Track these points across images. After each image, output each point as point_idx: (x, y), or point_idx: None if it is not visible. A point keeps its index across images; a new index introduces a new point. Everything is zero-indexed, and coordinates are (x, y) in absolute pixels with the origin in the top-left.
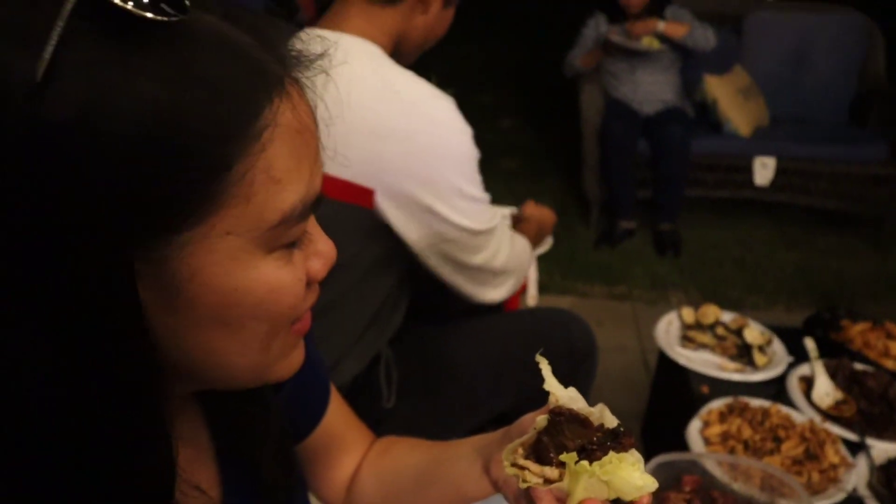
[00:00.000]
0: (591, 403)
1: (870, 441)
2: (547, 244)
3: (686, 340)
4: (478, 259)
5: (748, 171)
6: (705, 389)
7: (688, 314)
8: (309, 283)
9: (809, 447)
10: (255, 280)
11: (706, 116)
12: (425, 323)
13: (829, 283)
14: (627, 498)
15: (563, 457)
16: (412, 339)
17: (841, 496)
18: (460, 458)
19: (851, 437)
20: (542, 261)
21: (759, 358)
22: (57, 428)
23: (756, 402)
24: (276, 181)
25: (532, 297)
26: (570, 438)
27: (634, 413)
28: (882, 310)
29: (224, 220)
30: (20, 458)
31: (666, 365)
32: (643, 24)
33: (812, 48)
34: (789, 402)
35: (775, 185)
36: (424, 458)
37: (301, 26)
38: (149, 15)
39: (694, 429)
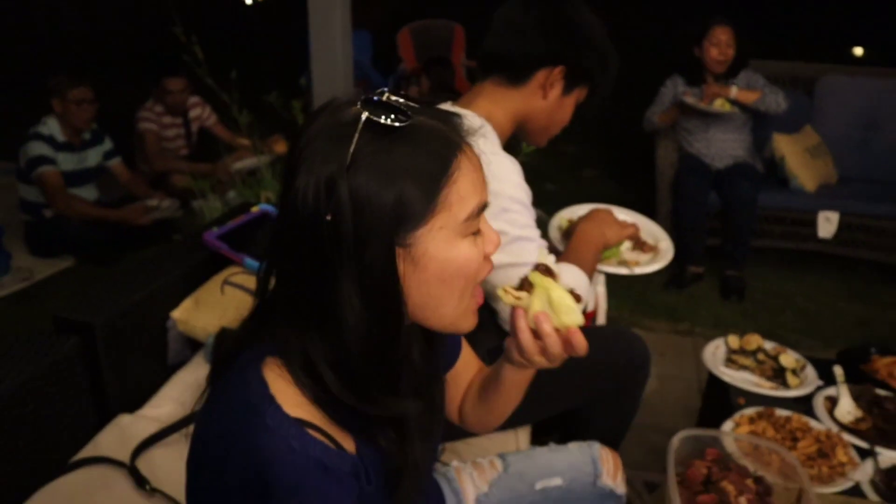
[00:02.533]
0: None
1: (878, 449)
2: (665, 258)
3: (730, 362)
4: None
5: (812, 224)
6: (741, 401)
7: (733, 340)
8: (486, 258)
9: (822, 447)
10: (457, 253)
11: (774, 172)
12: None
13: (889, 335)
14: (563, 317)
15: (530, 275)
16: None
17: (846, 486)
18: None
19: (863, 444)
20: (613, 297)
21: (791, 379)
22: (362, 338)
23: (781, 412)
24: (462, 198)
25: (602, 315)
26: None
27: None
28: None
29: (438, 221)
30: (345, 356)
31: (712, 383)
32: (717, 89)
33: (881, 112)
34: (814, 417)
35: (839, 239)
36: (493, 370)
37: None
38: (396, 124)
39: (726, 428)
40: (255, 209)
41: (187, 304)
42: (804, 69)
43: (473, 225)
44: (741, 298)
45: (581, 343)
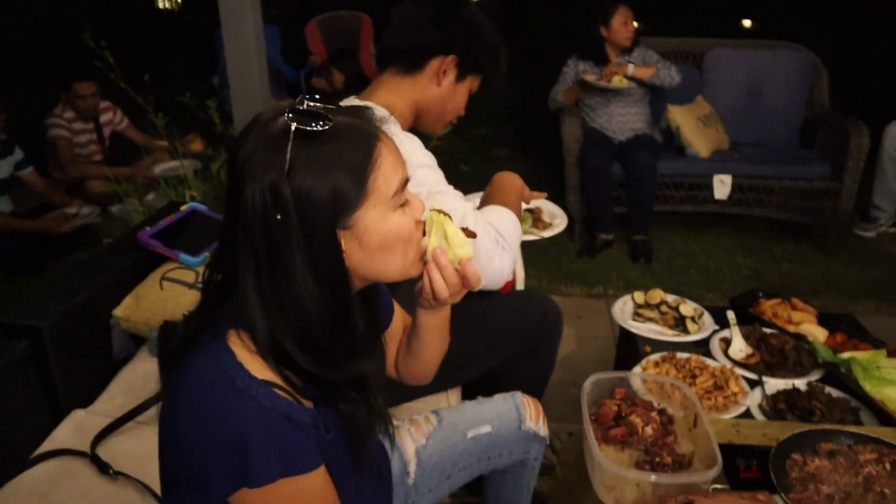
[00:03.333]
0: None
1: (765, 378)
2: (559, 226)
3: (637, 316)
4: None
5: (709, 187)
6: (648, 349)
7: (639, 296)
8: (417, 222)
9: (717, 381)
10: (392, 224)
11: (671, 141)
12: None
13: (778, 282)
14: (458, 250)
15: (427, 215)
16: None
17: (739, 411)
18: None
19: (752, 376)
20: (531, 266)
21: (691, 326)
22: (315, 315)
23: (682, 354)
24: (387, 177)
25: (521, 282)
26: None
27: None
28: (822, 303)
29: (371, 202)
30: (305, 319)
31: (623, 336)
32: (615, 68)
33: (765, 81)
34: (712, 357)
35: (733, 200)
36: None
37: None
38: (321, 128)
39: (635, 371)
40: (184, 207)
41: (128, 301)
42: (693, 44)
43: (401, 198)
44: (648, 261)
45: (474, 273)
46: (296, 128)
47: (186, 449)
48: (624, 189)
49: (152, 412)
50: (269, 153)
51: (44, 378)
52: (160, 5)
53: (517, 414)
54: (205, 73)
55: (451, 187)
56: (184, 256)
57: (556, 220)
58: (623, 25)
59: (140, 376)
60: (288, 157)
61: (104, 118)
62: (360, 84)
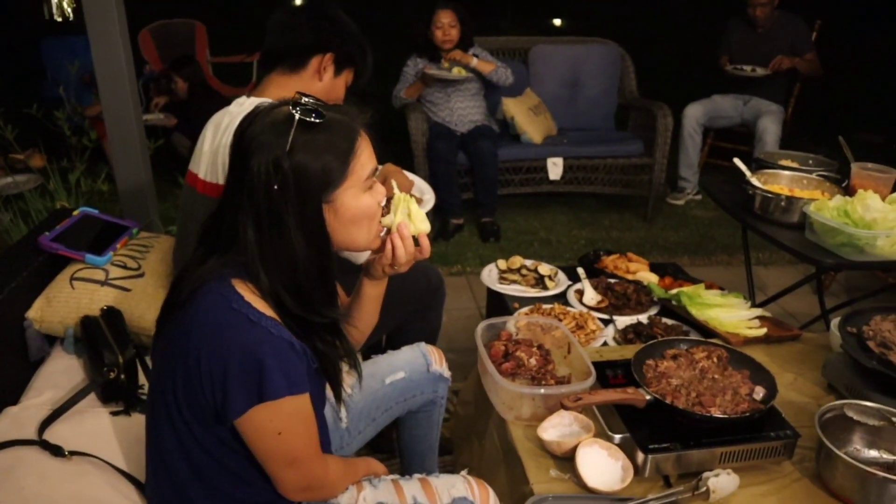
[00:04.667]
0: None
1: (615, 317)
2: (430, 202)
3: (502, 280)
4: None
5: (543, 170)
6: (516, 305)
7: (501, 263)
8: (378, 203)
9: (578, 322)
10: (362, 202)
11: (507, 130)
12: None
13: (611, 248)
14: (419, 224)
15: (395, 194)
16: None
17: (599, 343)
18: (359, 283)
19: (605, 317)
20: None
21: (549, 283)
22: (303, 268)
23: (546, 305)
24: (363, 164)
25: None
26: None
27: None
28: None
29: (349, 182)
30: (294, 279)
31: (491, 298)
32: (459, 55)
33: (582, 72)
34: (570, 306)
35: (565, 179)
36: (355, 293)
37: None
38: (315, 120)
39: (510, 324)
40: (76, 213)
41: (40, 303)
42: (518, 41)
43: (370, 182)
44: (497, 239)
45: (427, 245)
46: (299, 118)
47: (203, 375)
48: (470, 176)
49: (87, 402)
50: (274, 135)
51: None
52: None
53: (424, 359)
54: (30, 86)
55: None
56: (90, 257)
57: (426, 195)
58: (439, 30)
59: (60, 372)
60: (290, 139)
61: None
62: (203, 90)
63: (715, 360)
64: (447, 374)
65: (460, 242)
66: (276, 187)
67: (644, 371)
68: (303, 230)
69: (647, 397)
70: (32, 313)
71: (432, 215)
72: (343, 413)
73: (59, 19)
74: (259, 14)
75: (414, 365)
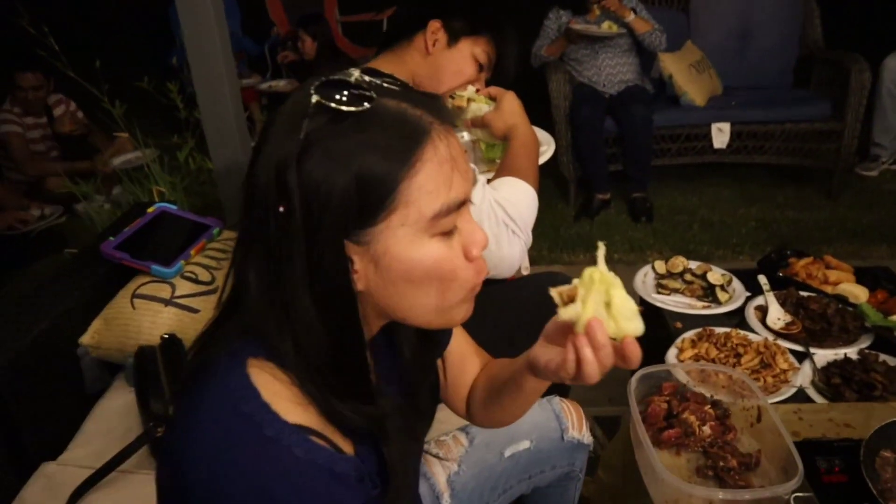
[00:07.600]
0: None
1: (813, 350)
2: (547, 152)
3: (660, 287)
4: None
5: (707, 137)
6: (679, 325)
7: (660, 266)
8: (469, 259)
9: (764, 358)
10: (424, 254)
11: (664, 91)
12: None
13: (787, 232)
14: (623, 323)
15: (585, 272)
16: None
17: (791, 391)
18: (517, 363)
19: (798, 348)
20: None
21: (721, 295)
22: (316, 343)
23: (720, 330)
24: (427, 193)
25: (525, 269)
26: None
27: None
28: (834, 251)
29: (397, 217)
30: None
31: (646, 310)
32: (616, 5)
33: (754, 20)
34: (748, 329)
35: (732, 148)
36: (505, 370)
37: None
38: (345, 108)
39: (671, 355)
40: (151, 210)
41: (97, 326)
42: None
43: (445, 223)
44: (650, 219)
45: (636, 354)
46: (316, 101)
47: None
48: (618, 145)
49: (137, 458)
50: (286, 126)
51: (5, 428)
52: None
53: (558, 423)
54: (161, 54)
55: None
56: (156, 268)
57: (543, 147)
58: None
59: (118, 412)
60: (301, 136)
61: (57, 111)
62: (331, 51)
63: None
64: (588, 439)
65: (606, 221)
66: (280, 209)
67: (878, 469)
68: (311, 282)
69: None
70: (87, 338)
71: (574, 190)
72: (445, 498)
73: None
74: None
75: (544, 431)
